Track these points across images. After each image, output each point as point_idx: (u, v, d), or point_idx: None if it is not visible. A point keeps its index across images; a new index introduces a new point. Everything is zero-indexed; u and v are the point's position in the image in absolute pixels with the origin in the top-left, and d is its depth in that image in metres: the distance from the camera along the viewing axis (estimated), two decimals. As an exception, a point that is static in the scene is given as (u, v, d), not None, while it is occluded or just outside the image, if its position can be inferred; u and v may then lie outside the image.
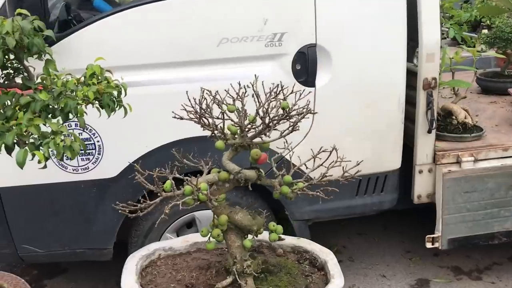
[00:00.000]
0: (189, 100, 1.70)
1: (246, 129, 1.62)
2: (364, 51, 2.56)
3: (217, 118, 1.64)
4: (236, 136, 1.66)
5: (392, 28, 2.57)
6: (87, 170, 2.50)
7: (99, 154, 2.48)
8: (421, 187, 2.86)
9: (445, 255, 3.35)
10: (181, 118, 1.80)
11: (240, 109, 1.62)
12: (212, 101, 1.68)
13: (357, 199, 2.81)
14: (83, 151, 2.45)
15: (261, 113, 1.59)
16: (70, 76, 1.56)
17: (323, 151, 1.73)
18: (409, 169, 2.86)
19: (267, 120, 1.57)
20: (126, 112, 1.68)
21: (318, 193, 1.65)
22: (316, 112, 1.74)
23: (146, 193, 1.84)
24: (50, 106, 1.44)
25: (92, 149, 2.47)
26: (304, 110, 1.62)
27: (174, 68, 2.44)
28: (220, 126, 1.65)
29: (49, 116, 1.45)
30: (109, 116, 1.61)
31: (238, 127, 1.63)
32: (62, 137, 1.40)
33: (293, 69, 2.49)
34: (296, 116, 1.62)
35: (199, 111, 1.65)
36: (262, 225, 1.78)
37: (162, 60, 2.43)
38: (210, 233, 1.80)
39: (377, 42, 2.56)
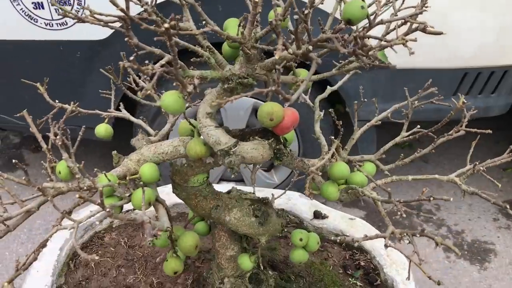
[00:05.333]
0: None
1: (257, 44, 0.68)
2: None
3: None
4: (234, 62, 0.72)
5: None
6: (66, 27, 1.73)
7: (79, 4, 1.66)
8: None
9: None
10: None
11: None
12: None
13: (455, 99, 1.95)
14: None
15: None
16: None
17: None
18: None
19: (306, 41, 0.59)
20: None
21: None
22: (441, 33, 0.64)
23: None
24: None
25: (69, -4, 1.65)
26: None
27: None
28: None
29: None
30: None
31: (238, 38, 0.67)
32: None
33: None
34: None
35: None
36: (278, 231, 0.96)
37: None
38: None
39: None
